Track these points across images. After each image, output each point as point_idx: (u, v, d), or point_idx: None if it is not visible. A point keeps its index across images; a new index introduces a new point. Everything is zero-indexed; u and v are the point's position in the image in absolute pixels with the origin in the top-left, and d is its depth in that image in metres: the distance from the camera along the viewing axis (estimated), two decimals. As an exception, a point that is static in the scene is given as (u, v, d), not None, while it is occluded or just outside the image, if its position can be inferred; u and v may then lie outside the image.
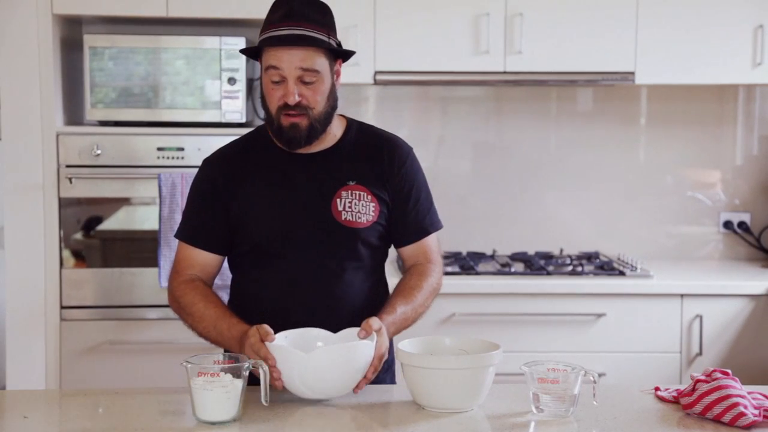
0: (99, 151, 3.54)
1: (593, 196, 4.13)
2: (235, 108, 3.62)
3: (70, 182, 3.54)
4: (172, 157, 3.57)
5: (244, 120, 3.63)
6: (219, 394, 1.85)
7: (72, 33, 3.74)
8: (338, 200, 2.19)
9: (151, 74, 3.61)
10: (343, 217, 2.19)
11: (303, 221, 2.18)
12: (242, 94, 3.62)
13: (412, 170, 2.29)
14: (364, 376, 1.99)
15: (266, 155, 2.24)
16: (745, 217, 4.13)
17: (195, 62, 3.60)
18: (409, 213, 2.28)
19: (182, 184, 3.49)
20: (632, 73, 3.72)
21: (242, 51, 2.23)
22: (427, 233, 2.31)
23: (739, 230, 4.12)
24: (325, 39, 2.13)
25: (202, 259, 2.24)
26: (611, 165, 4.12)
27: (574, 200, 4.13)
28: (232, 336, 2.08)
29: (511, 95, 4.09)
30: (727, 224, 4.13)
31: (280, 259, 2.19)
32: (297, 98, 2.11)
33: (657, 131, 4.13)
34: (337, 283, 2.20)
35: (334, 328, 2.11)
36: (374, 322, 2.03)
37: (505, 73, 3.73)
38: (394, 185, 2.25)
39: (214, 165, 2.26)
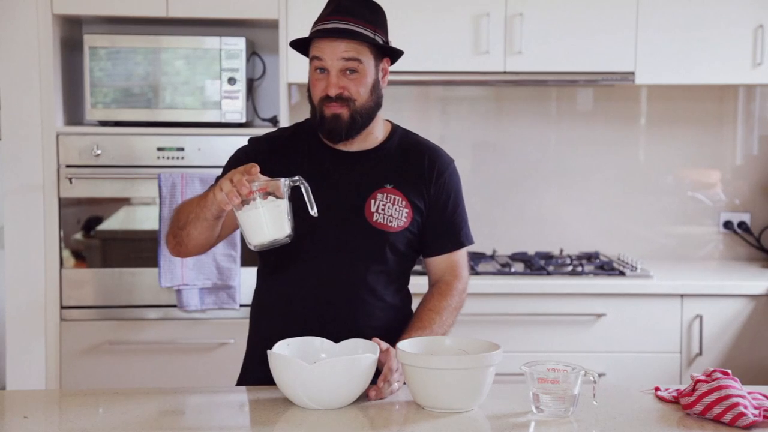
0: (99, 151, 3.54)
1: (593, 196, 4.13)
2: (235, 108, 3.62)
3: (70, 182, 3.54)
4: (172, 157, 3.57)
5: (244, 120, 3.63)
6: (269, 209, 1.89)
7: (72, 33, 3.74)
8: (372, 201, 2.20)
9: (151, 74, 3.61)
10: (374, 219, 2.19)
11: (334, 218, 2.18)
12: (242, 94, 3.62)
13: (452, 181, 2.30)
14: (376, 385, 2.00)
15: (309, 147, 2.25)
16: (745, 217, 4.13)
17: (195, 62, 3.60)
18: (444, 223, 2.28)
19: (182, 184, 3.50)
20: (632, 73, 3.72)
21: (292, 43, 2.24)
22: (460, 245, 2.31)
23: (739, 230, 4.12)
24: (370, 35, 2.16)
25: None
26: (611, 165, 4.12)
27: (574, 200, 4.13)
28: (209, 193, 2.02)
29: (511, 95, 4.09)
30: (727, 224, 4.13)
31: (305, 252, 2.19)
32: (338, 90, 2.14)
33: (657, 131, 4.13)
34: (359, 283, 2.20)
35: (352, 329, 2.12)
36: (382, 342, 2.05)
37: (505, 73, 3.73)
38: (431, 194, 2.25)
39: (258, 144, 2.29)
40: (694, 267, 3.95)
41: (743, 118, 4.13)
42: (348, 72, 2.15)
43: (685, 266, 3.95)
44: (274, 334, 2.09)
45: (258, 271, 2.34)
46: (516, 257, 3.97)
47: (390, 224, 2.20)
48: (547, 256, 3.96)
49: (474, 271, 3.66)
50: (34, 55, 3.52)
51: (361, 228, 2.19)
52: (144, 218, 3.66)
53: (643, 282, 3.58)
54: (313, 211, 1.99)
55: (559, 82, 3.84)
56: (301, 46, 2.24)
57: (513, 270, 3.71)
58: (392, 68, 3.88)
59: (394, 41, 2.26)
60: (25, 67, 3.52)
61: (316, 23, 2.19)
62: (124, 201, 3.64)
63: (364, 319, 2.19)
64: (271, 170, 2.20)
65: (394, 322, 2.24)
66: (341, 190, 2.21)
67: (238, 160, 2.27)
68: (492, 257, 3.97)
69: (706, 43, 3.72)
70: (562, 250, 4.06)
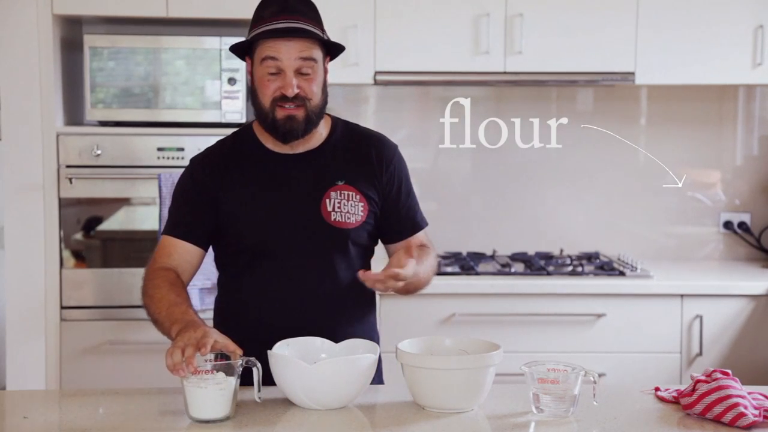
0: (99, 151, 3.55)
1: (593, 196, 4.13)
2: (235, 108, 3.62)
3: (70, 182, 3.54)
4: (172, 158, 3.57)
5: (244, 120, 3.63)
6: (212, 392, 1.85)
7: (72, 33, 3.74)
8: (327, 201, 2.19)
9: (151, 74, 3.61)
10: (332, 218, 2.19)
11: (292, 222, 2.18)
12: (242, 95, 3.62)
13: (400, 168, 2.30)
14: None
15: (254, 155, 2.24)
16: (745, 218, 4.13)
17: (195, 62, 3.60)
18: (400, 210, 2.29)
19: (182, 184, 3.49)
20: (632, 73, 3.72)
21: (233, 46, 2.22)
22: (419, 228, 2.33)
23: (739, 230, 4.12)
24: (320, 33, 2.16)
25: (182, 248, 2.20)
26: (611, 165, 4.12)
27: (574, 200, 4.13)
28: (183, 320, 1.98)
29: (511, 95, 4.09)
30: (727, 224, 4.13)
31: (268, 259, 2.20)
32: (296, 90, 2.12)
33: (657, 131, 4.13)
34: (327, 283, 2.21)
35: (322, 329, 2.13)
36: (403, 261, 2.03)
37: (505, 73, 3.73)
38: (383, 183, 2.26)
39: (201, 164, 2.25)
40: (694, 267, 3.95)
41: (743, 118, 4.13)
42: (301, 72, 2.13)
43: (685, 266, 3.95)
44: (244, 339, 2.03)
45: (219, 280, 2.33)
46: (516, 257, 3.97)
47: (348, 221, 2.20)
48: (547, 256, 3.96)
49: (474, 271, 3.66)
50: (34, 55, 3.52)
51: (320, 229, 2.18)
52: (144, 218, 3.66)
53: (643, 282, 3.58)
54: (259, 396, 1.93)
55: (559, 82, 3.84)
56: (239, 49, 2.21)
57: (513, 270, 3.71)
58: (392, 68, 3.90)
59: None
60: (25, 67, 3.52)
61: (261, 23, 2.16)
62: (124, 201, 3.65)
63: (334, 316, 2.20)
64: (217, 187, 2.20)
65: (361, 314, 2.27)
66: (295, 194, 2.19)
67: (183, 189, 2.25)
68: (492, 257, 3.97)
69: (706, 43, 3.72)
70: (562, 250, 4.06)
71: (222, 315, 2.31)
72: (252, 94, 2.20)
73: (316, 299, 2.20)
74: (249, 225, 2.19)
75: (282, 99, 2.13)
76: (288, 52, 2.12)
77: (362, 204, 2.22)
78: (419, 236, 2.33)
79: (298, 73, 2.13)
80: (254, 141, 2.25)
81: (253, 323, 2.20)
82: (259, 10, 2.20)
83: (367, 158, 2.26)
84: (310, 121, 2.17)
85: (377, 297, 2.38)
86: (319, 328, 2.14)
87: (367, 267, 2.31)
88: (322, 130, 2.26)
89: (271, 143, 2.23)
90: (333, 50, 2.23)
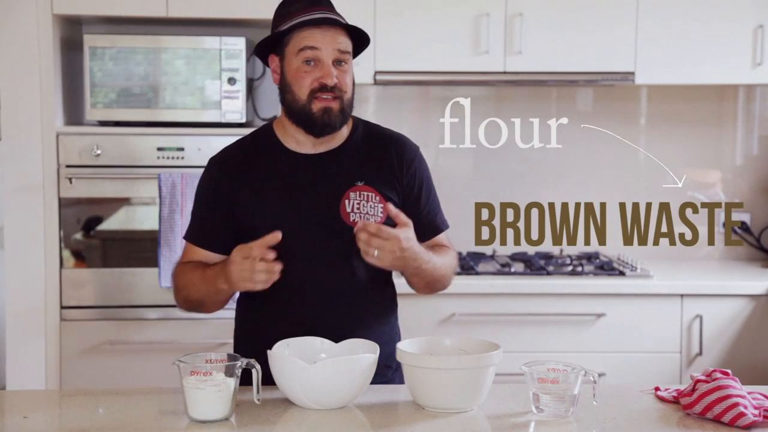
0: (99, 151, 3.55)
1: (593, 196, 4.13)
2: (235, 108, 3.62)
3: (70, 182, 3.54)
4: (172, 157, 3.57)
5: (243, 120, 3.63)
6: (211, 392, 1.85)
7: (72, 33, 3.74)
8: (347, 201, 2.18)
9: (151, 74, 3.61)
10: (351, 219, 2.17)
11: (311, 223, 2.18)
12: (242, 94, 3.62)
13: (421, 169, 2.29)
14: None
15: (273, 155, 2.23)
16: (745, 217, 4.13)
17: (195, 62, 3.60)
18: (421, 212, 2.27)
19: (182, 184, 3.49)
20: (632, 73, 3.72)
21: (261, 43, 2.19)
22: (439, 231, 2.31)
23: (739, 230, 4.12)
24: (353, 26, 2.17)
25: (203, 254, 2.24)
26: (611, 165, 4.12)
27: (573, 200, 4.12)
28: (219, 269, 2.08)
29: (511, 95, 4.09)
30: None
31: (287, 260, 2.18)
32: (335, 80, 2.12)
33: (657, 131, 4.13)
34: (346, 284, 2.20)
35: (343, 330, 2.12)
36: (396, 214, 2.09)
37: (505, 73, 3.73)
38: (403, 185, 2.24)
39: (219, 165, 2.25)
40: (694, 267, 3.94)
41: (743, 118, 4.13)
42: (337, 64, 2.14)
43: (685, 266, 3.95)
44: (263, 338, 2.06)
45: None
46: (516, 257, 3.97)
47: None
48: (547, 256, 3.96)
49: (474, 271, 3.66)
50: (34, 55, 3.51)
51: (339, 230, 2.17)
52: (144, 218, 3.66)
53: (643, 282, 3.58)
54: (258, 398, 1.94)
55: (559, 82, 3.84)
56: (263, 48, 2.19)
57: (513, 270, 3.71)
58: (392, 68, 3.89)
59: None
60: (25, 67, 3.52)
61: (292, 16, 2.14)
62: (124, 201, 3.64)
63: (354, 316, 2.19)
64: (235, 187, 2.20)
65: (382, 314, 2.26)
66: (314, 195, 2.19)
67: (203, 192, 2.26)
68: (492, 257, 3.97)
69: (706, 43, 3.72)
70: (562, 250, 4.06)
71: (242, 314, 2.30)
72: (282, 90, 2.18)
73: (336, 300, 2.19)
74: (267, 226, 2.17)
75: (320, 90, 2.12)
76: (326, 42, 2.11)
77: (382, 205, 2.20)
78: (440, 238, 2.31)
79: (335, 65, 2.13)
80: (274, 141, 2.24)
81: (272, 323, 2.19)
82: (284, 6, 2.18)
83: (387, 159, 2.24)
84: (345, 114, 2.17)
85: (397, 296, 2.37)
86: (340, 329, 2.13)
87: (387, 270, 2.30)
88: (344, 130, 2.25)
89: (292, 143, 2.22)
90: (364, 41, 2.23)
